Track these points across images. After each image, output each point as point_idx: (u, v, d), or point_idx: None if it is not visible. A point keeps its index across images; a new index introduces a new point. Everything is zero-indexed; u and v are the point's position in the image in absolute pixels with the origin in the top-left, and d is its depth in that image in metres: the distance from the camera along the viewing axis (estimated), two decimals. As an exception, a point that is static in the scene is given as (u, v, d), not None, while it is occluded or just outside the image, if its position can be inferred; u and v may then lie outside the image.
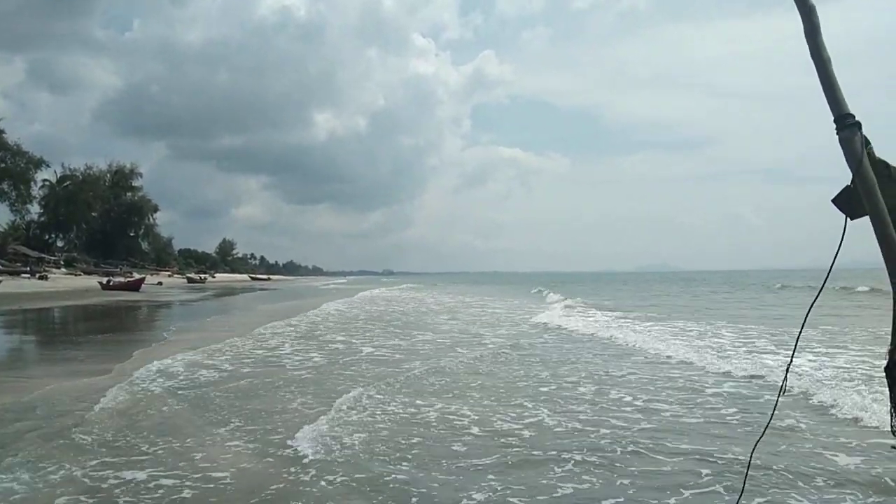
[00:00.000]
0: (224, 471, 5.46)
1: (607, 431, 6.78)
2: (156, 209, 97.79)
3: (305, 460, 5.77)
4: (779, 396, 2.57)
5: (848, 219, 1.87)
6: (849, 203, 1.86)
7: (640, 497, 4.90)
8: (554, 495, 4.96)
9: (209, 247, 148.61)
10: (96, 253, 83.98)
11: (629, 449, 6.09)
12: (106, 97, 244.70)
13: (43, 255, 69.28)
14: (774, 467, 5.33)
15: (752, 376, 9.78)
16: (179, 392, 8.91)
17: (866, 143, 1.82)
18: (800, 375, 9.42)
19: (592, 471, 5.50)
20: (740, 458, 5.70)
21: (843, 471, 5.35)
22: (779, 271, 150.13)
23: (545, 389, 9.18)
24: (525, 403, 8.20)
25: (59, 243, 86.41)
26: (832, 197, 1.91)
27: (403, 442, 6.42)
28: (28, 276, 51.86)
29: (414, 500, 4.87)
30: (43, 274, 53.90)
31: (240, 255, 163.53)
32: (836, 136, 1.81)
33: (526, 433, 6.77)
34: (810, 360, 10.91)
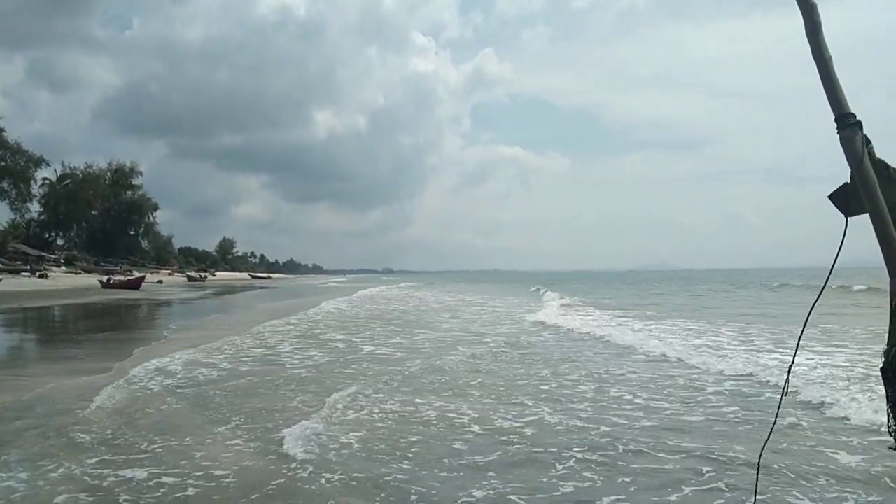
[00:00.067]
0: (226, 469, 5.46)
1: (608, 429, 6.78)
2: (156, 208, 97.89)
3: (306, 458, 5.76)
4: (782, 398, 2.57)
5: (847, 218, 1.87)
6: (845, 200, 1.86)
7: (641, 495, 4.90)
8: (555, 494, 4.96)
9: (209, 245, 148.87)
10: (96, 251, 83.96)
11: (630, 447, 6.09)
12: (106, 96, 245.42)
13: (43, 254, 69.27)
14: (775, 466, 5.33)
15: (751, 375, 9.77)
16: (179, 391, 8.91)
17: (867, 142, 1.82)
18: (799, 375, 9.42)
19: (594, 468, 5.50)
20: (741, 456, 5.70)
21: (843, 470, 5.34)
22: (778, 270, 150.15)
23: (545, 388, 9.18)
24: (526, 401, 8.19)
25: (60, 242, 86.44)
26: (829, 194, 1.91)
27: (403, 440, 6.42)
28: (28, 274, 51.85)
29: (413, 497, 4.87)
30: (43, 272, 53.91)
31: (240, 254, 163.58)
32: (837, 136, 1.81)
33: (527, 431, 6.77)
34: (809, 359, 10.91)
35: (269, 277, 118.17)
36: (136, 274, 62.91)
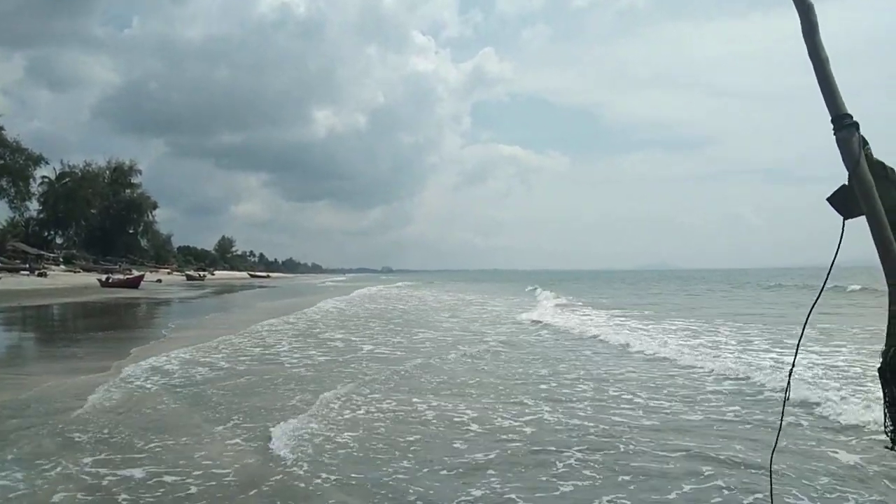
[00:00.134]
0: (226, 468, 5.46)
1: (607, 428, 6.79)
2: (155, 206, 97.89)
3: (306, 457, 5.76)
4: (785, 401, 2.57)
5: (845, 220, 1.86)
6: (844, 202, 1.85)
7: (641, 493, 4.90)
8: (554, 493, 4.96)
9: (208, 244, 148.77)
10: (95, 250, 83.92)
11: (631, 447, 6.09)
12: (105, 94, 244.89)
13: (42, 252, 69.24)
14: (776, 466, 5.32)
15: (748, 374, 9.77)
16: (178, 390, 8.90)
17: (864, 143, 1.81)
18: (797, 375, 9.42)
19: (594, 467, 5.51)
20: (740, 455, 5.71)
21: (843, 469, 5.35)
22: (778, 270, 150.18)
23: (544, 387, 9.19)
24: (525, 400, 8.20)
25: (59, 240, 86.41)
26: (827, 196, 1.90)
27: (401, 439, 6.41)
28: (27, 273, 51.83)
29: (413, 496, 4.88)
30: (42, 271, 53.90)
31: (239, 253, 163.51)
32: (834, 137, 1.80)
33: (527, 430, 6.78)
34: (806, 359, 10.92)
35: (268, 276, 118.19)
36: (135, 273, 62.91)
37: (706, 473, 5.29)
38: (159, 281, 64.75)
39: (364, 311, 27.02)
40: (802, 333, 2.25)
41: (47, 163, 74.83)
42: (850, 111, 1.80)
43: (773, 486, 4.87)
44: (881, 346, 1.79)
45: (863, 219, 1.76)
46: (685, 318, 20.57)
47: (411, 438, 6.45)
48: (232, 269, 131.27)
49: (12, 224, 75.79)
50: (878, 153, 1.89)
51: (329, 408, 7.74)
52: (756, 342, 14.00)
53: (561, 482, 5.17)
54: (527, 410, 7.66)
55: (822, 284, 2.16)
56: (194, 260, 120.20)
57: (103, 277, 51.95)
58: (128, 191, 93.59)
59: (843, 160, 1.79)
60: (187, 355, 11.91)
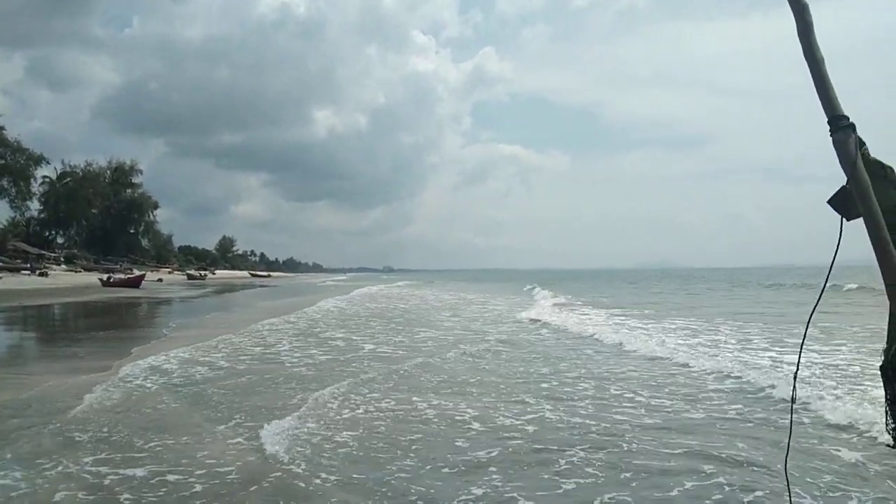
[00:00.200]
0: (229, 466, 5.46)
1: (608, 426, 6.79)
2: (156, 206, 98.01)
3: (308, 456, 5.76)
4: (792, 405, 2.58)
5: (844, 220, 1.86)
6: (844, 204, 1.85)
7: (643, 490, 4.91)
8: (557, 492, 4.97)
9: (209, 244, 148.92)
10: (96, 250, 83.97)
11: (634, 445, 6.10)
12: (105, 94, 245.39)
13: (43, 252, 69.29)
14: (778, 466, 5.33)
15: (749, 373, 9.75)
16: (179, 389, 8.90)
17: (861, 144, 1.81)
18: (805, 377, 9.44)
19: (596, 465, 5.51)
20: (742, 453, 5.72)
21: (845, 467, 5.35)
22: (778, 269, 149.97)
23: (545, 385, 9.20)
24: (527, 399, 8.21)
25: (60, 240, 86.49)
26: (827, 198, 1.90)
27: (403, 438, 6.42)
28: (28, 272, 51.87)
29: (414, 494, 4.89)
30: (43, 271, 53.93)
31: (240, 253, 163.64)
32: (830, 138, 1.79)
33: (529, 428, 6.78)
34: (805, 358, 10.93)
35: (268, 276, 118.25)
36: (136, 272, 62.97)
37: (708, 471, 5.29)
38: (160, 280, 64.79)
39: (365, 310, 27.03)
40: (805, 336, 2.24)
41: (48, 163, 75.03)
42: (849, 111, 1.79)
43: (777, 484, 4.90)
44: (881, 345, 1.80)
45: (861, 219, 1.76)
46: (686, 317, 20.58)
47: (413, 437, 6.45)
48: (233, 268, 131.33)
49: (13, 224, 75.83)
50: (878, 153, 1.89)
51: (331, 407, 7.74)
52: (756, 341, 14.01)
53: (563, 480, 5.18)
54: (528, 409, 7.67)
55: (822, 286, 2.15)
56: (195, 259, 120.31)
57: (104, 277, 51.96)
58: (128, 191, 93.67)
59: (840, 162, 1.78)
60: (188, 355, 11.92)
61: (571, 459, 5.68)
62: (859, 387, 8.40)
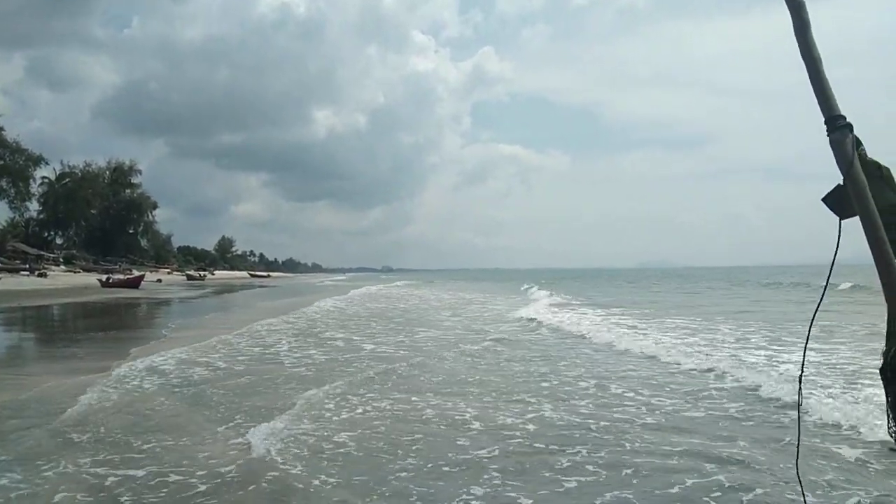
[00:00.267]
0: (229, 465, 5.45)
1: (608, 424, 6.78)
2: (155, 206, 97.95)
3: (310, 455, 5.76)
4: (799, 408, 2.58)
5: (841, 220, 1.85)
6: (839, 202, 1.84)
7: (645, 488, 4.91)
8: (558, 490, 4.96)
9: (208, 244, 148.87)
10: (95, 250, 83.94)
11: (636, 444, 6.09)
12: (105, 95, 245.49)
13: (42, 253, 69.25)
14: (781, 465, 5.33)
15: (750, 372, 9.77)
16: (179, 390, 8.89)
17: (858, 144, 1.80)
18: (795, 375, 9.42)
19: (597, 463, 5.50)
20: (744, 452, 5.72)
21: (846, 466, 5.35)
22: (778, 268, 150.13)
23: (546, 384, 9.19)
24: (527, 398, 8.20)
25: (59, 240, 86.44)
26: (822, 196, 1.89)
27: (404, 438, 6.41)
28: (27, 273, 51.82)
29: (415, 494, 4.88)
30: (42, 271, 53.90)
31: (239, 253, 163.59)
32: (827, 138, 1.78)
33: (530, 427, 6.77)
34: (799, 356, 10.93)
35: (268, 276, 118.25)
36: (136, 273, 62.93)
37: (709, 469, 5.30)
38: (159, 281, 64.76)
39: (365, 310, 27.03)
40: (808, 339, 2.23)
41: (47, 163, 74.97)
42: (849, 111, 1.79)
43: (781, 484, 4.90)
44: (879, 345, 1.79)
45: (857, 219, 1.76)
46: (685, 316, 20.58)
47: (413, 437, 6.44)
48: (232, 269, 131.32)
49: (12, 224, 75.80)
50: (878, 153, 1.88)
51: (330, 407, 7.74)
52: (754, 339, 14.02)
53: (565, 478, 5.17)
54: (529, 408, 7.66)
55: (823, 288, 2.14)
56: (194, 260, 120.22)
57: (103, 277, 51.94)
58: (128, 191, 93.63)
59: (837, 162, 1.77)
60: (187, 355, 11.91)
61: (573, 458, 5.67)
62: (858, 386, 8.40)
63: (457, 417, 7.25)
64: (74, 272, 62.00)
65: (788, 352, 11.91)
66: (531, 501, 4.73)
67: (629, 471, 5.33)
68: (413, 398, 8.26)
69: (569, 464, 5.54)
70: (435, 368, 10.81)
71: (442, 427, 6.88)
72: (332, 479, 5.19)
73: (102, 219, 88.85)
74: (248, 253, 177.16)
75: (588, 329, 16.45)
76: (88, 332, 18.63)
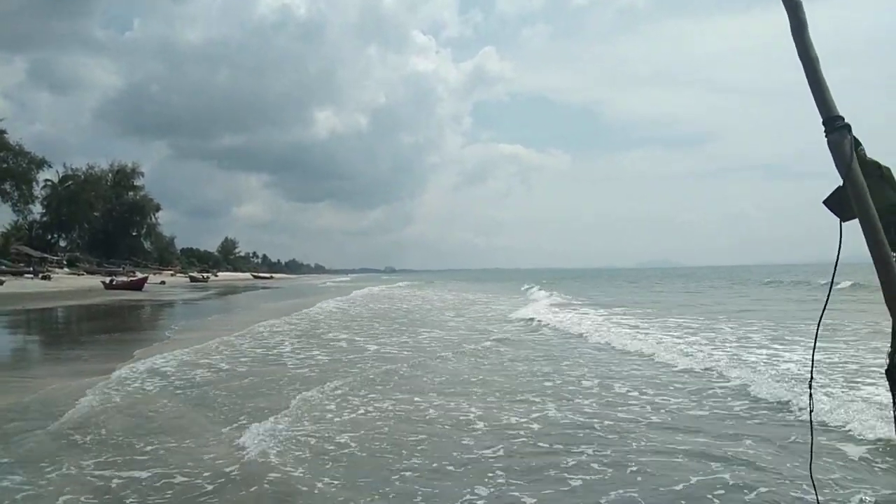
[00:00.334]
0: (232, 465, 5.47)
1: (612, 423, 6.79)
2: (158, 208, 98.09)
3: (311, 454, 5.78)
4: (811, 413, 2.58)
5: (842, 222, 1.85)
6: (840, 205, 1.84)
7: (650, 486, 4.91)
8: (563, 489, 4.97)
9: (211, 246, 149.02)
10: (99, 252, 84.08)
11: (641, 443, 6.10)
12: (106, 97, 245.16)
13: (46, 255, 69.38)
14: (788, 465, 5.34)
15: (750, 371, 9.78)
16: (183, 391, 8.91)
17: (857, 144, 1.80)
18: (801, 373, 9.45)
19: (602, 461, 5.51)
20: (750, 451, 5.72)
21: (851, 464, 5.35)
22: (779, 266, 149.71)
23: (549, 384, 9.20)
24: (531, 398, 8.20)
25: (62, 243, 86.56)
26: (823, 199, 1.89)
27: (409, 438, 6.42)
28: (31, 276, 51.93)
29: (420, 493, 4.89)
30: (46, 274, 53.98)
31: (242, 254, 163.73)
32: (825, 139, 1.78)
33: (534, 426, 6.78)
34: (802, 356, 10.96)
35: (271, 277, 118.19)
36: (139, 275, 62.95)
37: (713, 467, 5.30)
38: (163, 283, 64.84)
39: (368, 311, 27.05)
40: (815, 344, 2.23)
41: (50, 166, 75.07)
42: (849, 110, 1.79)
43: (786, 482, 4.91)
44: (881, 343, 1.81)
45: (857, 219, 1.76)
46: (686, 315, 20.61)
47: (418, 437, 6.45)
48: (235, 270, 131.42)
49: (16, 227, 75.88)
50: (878, 152, 1.89)
51: (333, 408, 7.75)
52: (757, 338, 14.02)
53: (570, 476, 5.18)
54: (533, 408, 7.67)
55: (827, 293, 2.14)
56: (198, 262, 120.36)
57: (107, 280, 52.00)
58: (130, 193, 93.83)
59: (836, 164, 1.76)
60: (190, 357, 11.93)
61: (578, 457, 5.67)
62: (863, 384, 8.39)
63: (461, 417, 7.27)
64: (78, 275, 62.10)
65: (791, 350, 11.92)
66: (536, 500, 4.74)
67: (634, 469, 5.34)
68: (416, 398, 8.27)
69: (574, 463, 5.55)
70: (438, 369, 10.82)
71: (446, 427, 6.90)
72: (336, 480, 5.20)
73: (105, 221, 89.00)
74: (251, 254, 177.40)
75: (590, 329, 16.46)
76: (92, 334, 18.66)
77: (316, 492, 4.96)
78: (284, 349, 13.54)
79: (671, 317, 20.21)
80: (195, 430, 6.76)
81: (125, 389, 8.90)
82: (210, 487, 5.02)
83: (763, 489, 4.80)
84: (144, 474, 5.30)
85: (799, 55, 1.82)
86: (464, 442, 6.28)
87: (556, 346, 13.90)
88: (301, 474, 5.31)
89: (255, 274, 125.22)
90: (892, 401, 1.76)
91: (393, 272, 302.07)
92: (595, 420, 7.01)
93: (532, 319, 20.17)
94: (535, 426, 6.82)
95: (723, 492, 4.80)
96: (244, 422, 7.07)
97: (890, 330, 1.74)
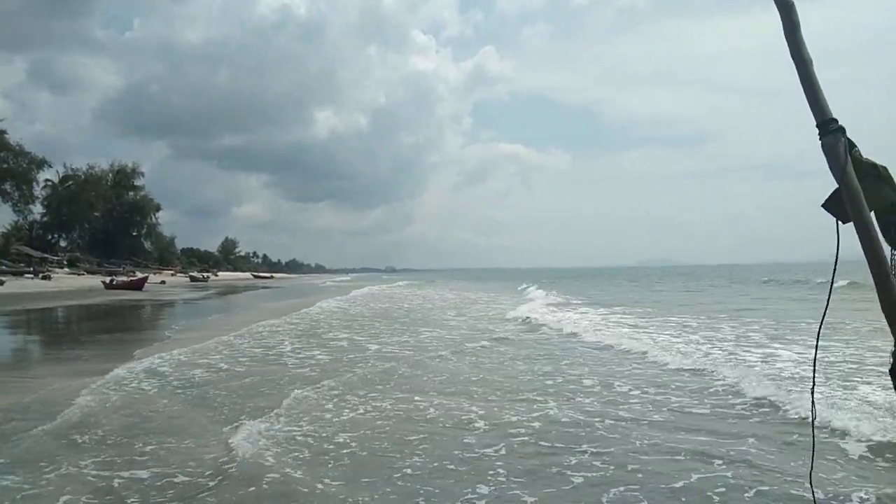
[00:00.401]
0: (231, 464, 5.48)
1: (613, 422, 6.79)
2: (158, 208, 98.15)
3: (312, 454, 5.78)
4: (813, 420, 2.59)
5: (839, 224, 1.85)
6: (839, 207, 1.84)
7: (651, 484, 4.92)
8: (564, 487, 4.97)
9: (211, 246, 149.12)
10: (99, 252, 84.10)
11: (642, 441, 6.10)
12: (106, 97, 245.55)
13: (46, 256, 69.40)
14: (792, 463, 5.34)
15: (750, 371, 9.79)
16: (183, 391, 8.90)
17: (851, 146, 1.79)
18: (801, 372, 9.46)
19: (604, 459, 5.52)
20: (752, 450, 5.73)
21: (851, 464, 5.35)
22: (779, 265, 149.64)
23: (550, 382, 9.20)
24: (532, 397, 8.21)
25: (62, 243, 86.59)
26: (822, 202, 1.89)
27: (410, 437, 6.42)
28: (31, 276, 51.93)
29: (421, 493, 4.90)
30: (46, 274, 53.97)
31: (242, 254, 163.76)
32: (819, 143, 1.77)
33: (535, 425, 6.78)
34: (801, 354, 10.98)
35: (271, 277, 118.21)
36: (139, 275, 62.95)
37: (715, 465, 5.30)
38: (163, 283, 64.84)
39: (368, 310, 27.05)
40: (816, 354, 2.23)
41: (50, 166, 75.11)
42: (846, 110, 1.78)
43: (787, 480, 4.91)
44: (878, 342, 1.81)
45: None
46: (688, 315, 20.60)
47: (419, 436, 6.45)
48: (235, 270, 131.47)
49: (16, 227, 75.91)
50: (879, 152, 1.90)
51: (333, 408, 7.76)
52: (756, 337, 14.03)
53: (572, 474, 5.18)
54: (534, 407, 7.67)
55: (828, 296, 2.15)
56: (198, 261, 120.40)
57: (107, 280, 51.99)
58: (131, 193, 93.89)
59: (830, 167, 1.76)
60: (190, 357, 11.92)
61: (579, 456, 5.67)
62: (863, 384, 8.39)
63: (462, 416, 7.27)
64: (78, 275, 62.10)
65: (789, 349, 11.93)
66: (538, 499, 4.74)
67: (635, 467, 5.35)
68: (417, 398, 8.26)
69: (575, 461, 5.55)
70: (439, 368, 10.83)
71: (447, 426, 6.90)
72: (337, 479, 5.19)
73: (106, 221, 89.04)
74: (251, 254, 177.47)
75: (591, 328, 16.47)
76: (93, 334, 18.67)
77: (317, 491, 4.97)
78: (285, 349, 13.54)
79: (672, 316, 20.22)
80: (195, 430, 6.76)
81: (124, 389, 8.90)
82: (212, 484, 5.03)
83: (763, 487, 4.81)
84: (145, 474, 5.30)
85: (792, 56, 1.81)
86: (465, 441, 6.29)
87: (557, 345, 13.90)
88: (303, 473, 5.32)
89: (256, 274, 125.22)
90: None
91: (393, 272, 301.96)
92: (596, 419, 7.01)
93: (535, 319, 20.16)
94: (536, 425, 6.83)
95: (724, 490, 4.81)
96: (245, 421, 7.08)
97: (887, 328, 1.75)
